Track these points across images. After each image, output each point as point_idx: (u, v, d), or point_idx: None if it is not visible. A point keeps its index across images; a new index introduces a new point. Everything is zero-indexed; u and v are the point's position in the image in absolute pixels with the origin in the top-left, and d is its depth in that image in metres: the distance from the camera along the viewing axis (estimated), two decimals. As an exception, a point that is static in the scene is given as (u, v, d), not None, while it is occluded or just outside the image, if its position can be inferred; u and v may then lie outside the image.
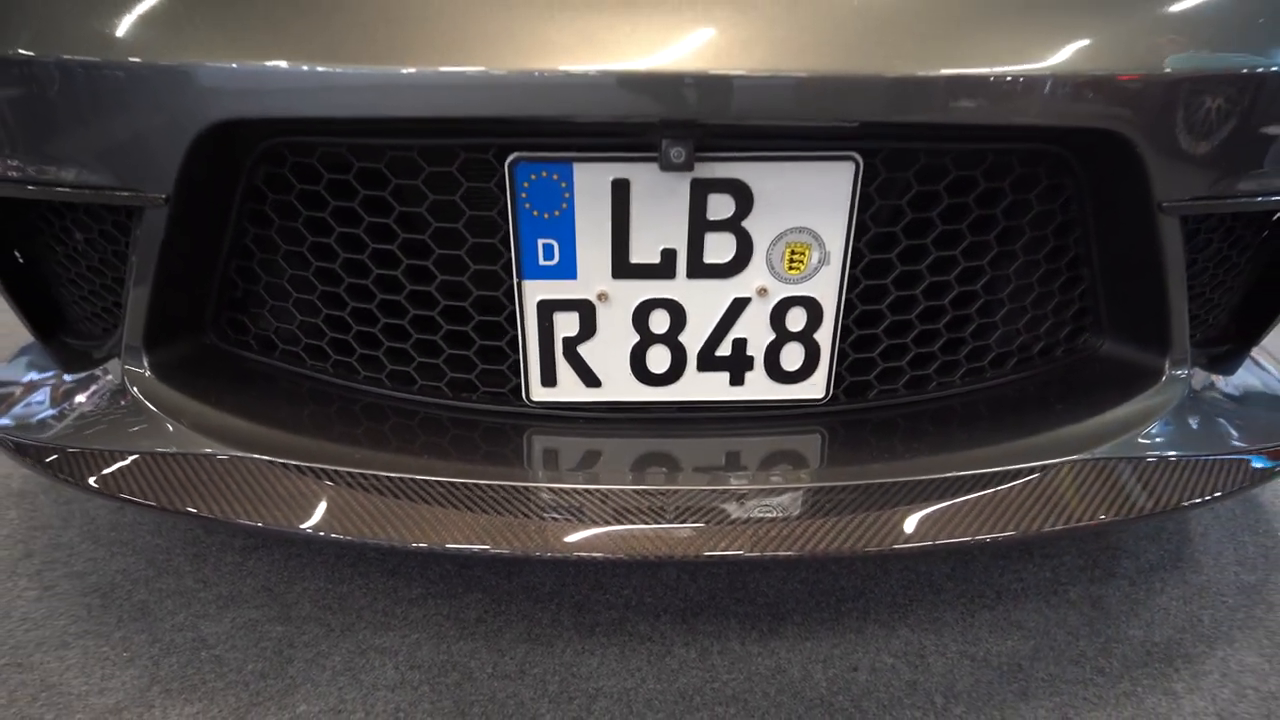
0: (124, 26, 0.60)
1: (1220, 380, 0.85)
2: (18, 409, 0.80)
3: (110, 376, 0.77)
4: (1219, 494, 0.69)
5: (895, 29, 0.57)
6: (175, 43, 0.58)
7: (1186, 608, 0.83)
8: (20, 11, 0.64)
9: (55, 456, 0.72)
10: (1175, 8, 0.62)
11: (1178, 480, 0.68)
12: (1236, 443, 0.74)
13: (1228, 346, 0.92)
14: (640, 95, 0.55)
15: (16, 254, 0.84)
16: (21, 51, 0.60)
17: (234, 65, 0.57)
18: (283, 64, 0.56)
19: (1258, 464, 0.73)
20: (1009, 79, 0.56)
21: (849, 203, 0.63)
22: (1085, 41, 0.58)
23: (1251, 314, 0.91)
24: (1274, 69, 0.62)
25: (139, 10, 0.61)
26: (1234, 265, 0.85)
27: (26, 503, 1.00)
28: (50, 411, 0.78)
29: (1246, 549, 0.94)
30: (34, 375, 0.85)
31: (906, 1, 0.59)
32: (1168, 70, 0.59)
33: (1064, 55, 0.57)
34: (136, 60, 0.58)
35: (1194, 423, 0.75)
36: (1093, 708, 0.70)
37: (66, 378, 0.81)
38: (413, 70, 0.55)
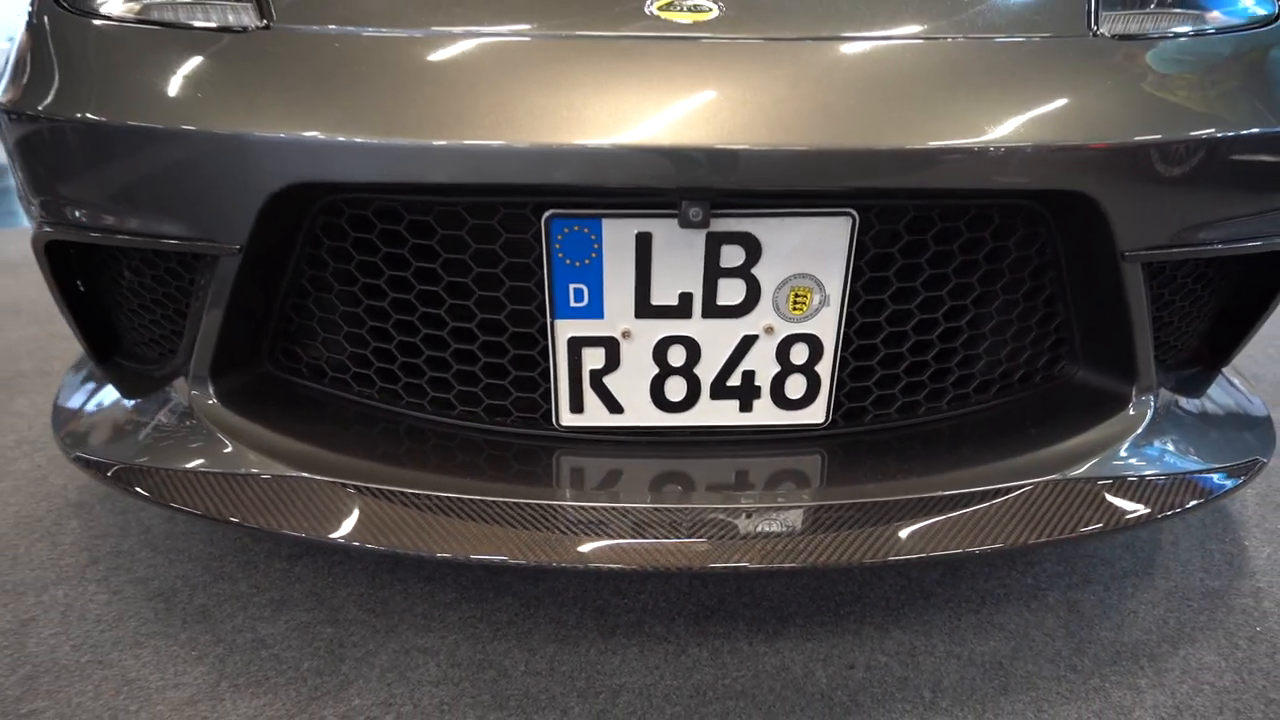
0: (213, 102, 0.68)
1: (1189, 400, 0.93)
2: (90, 429, 0.88)
3: (175, 400, 0.85)
4: (1180, 510, 0.76)
5: (885, 106, 0.65)
6: (255, 117, 0.66)
7: (1154, 611, 0.91)
8: (128, 86, 0.73)
9: (130, 474, 0.80)
10: (1129, 88, 0.70)
11: (1142, 497, 0.76)
12: (1199, 461, 0.82)
13: (1198, 368, 1.00)
14: (662, 166, 0.63)
15: (79, 283, 0.92)
16: (130, 122, 0.68)
17: (306, 137, 0.65)
18: (348, 137, 0.64)
19: (1217, 481, 0.81)
20: (986, 149, 0.64)
21: (846, 252, 0.71)
22: (1051, 116, 0.66)
23: (1219, 339, 0.99)
24: (1216, 137, 0.70)
25: (226, 88, 0.69)
26: (1200, 298, 0.93)
27: (85, 513, 1.08)
28: (122, 432, 0.85)
29: (1213, 556, 1.02)
30: (101, 397, 0.93)
31: (894, 81, 0.67)
32: (1125, 140, 0.67)
33: (1033, 128, 0.65)
34: (223, 131, 0.66)
35: (1160, 443, 0.83)
36: (1064, 701, 0.77)
37: (133, 400, 0.89)
38: (461, 143, 0.63)
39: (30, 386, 1.54)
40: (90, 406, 0.93)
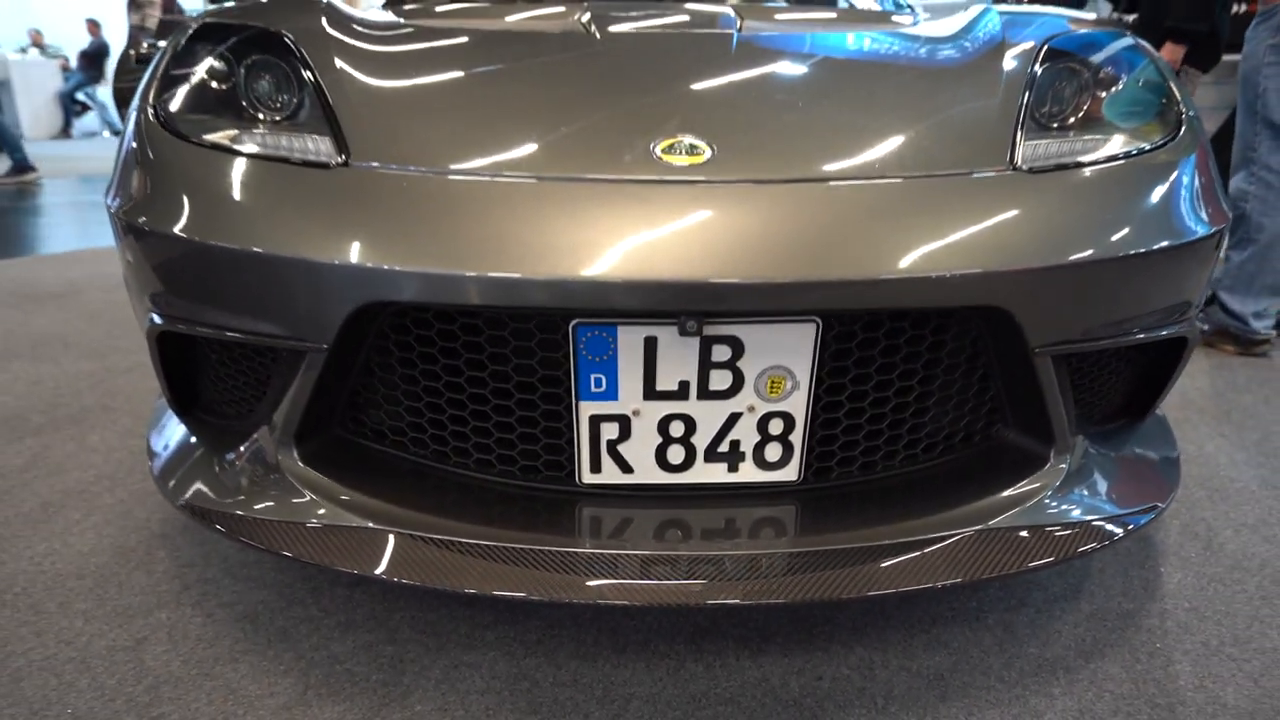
0: (306, 232, 0.86)
1: (1109, 451, 1.11)
2: (191, 480, 1.06)
3: (263, 458, 1.03)
4: (1081, 553, 0.94)
5: (843, 242, 0.83)
6: (342, 248, 0.84)
7: (1075, 630, 1.09)
8: (230, 211, 0.91)
9: (232, 522, 0.97)
10: (1037, 218, 0.88)
11: (1051, 544, 0.93)
12: (1103, 511, 1.00)
13: (1123, 421, 1.18)
14: (664, 294, 0.81)
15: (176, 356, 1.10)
16: (253, 248, 0.86)
17: (385, 269, 0.82)
18: (417, 268, 0.82)
19: (1116, 527, 0.99)
20: (921, 278, 0.82)
21: (812, 349, 0.89)
22: (970, 246, 0.84)
23: (1138, 399, 1.17)
24: (1109, 258, 0.88)
25: (316, 219, 0.87)
26: (1117, 370, 1.11)
27: (170, 543, 1.26)
28: (220, 484, 1.03)
29: (1132, 581, 1.20)
30: (193, 450, 1.11)
31: (850, 218, 0.85)
32: (1030, 265, 0.85)
33: (955, 258, 0.83)
34: (316, 259, 0.84)
35: (1073, 496, 1.01)
36: (991, 707, 0.96)
37: (225, 455, 1.06)
38: (505, 276, 0.81)
39: (99, 422, 1.72)
40: (186, 458, 1.11)
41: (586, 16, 1.44)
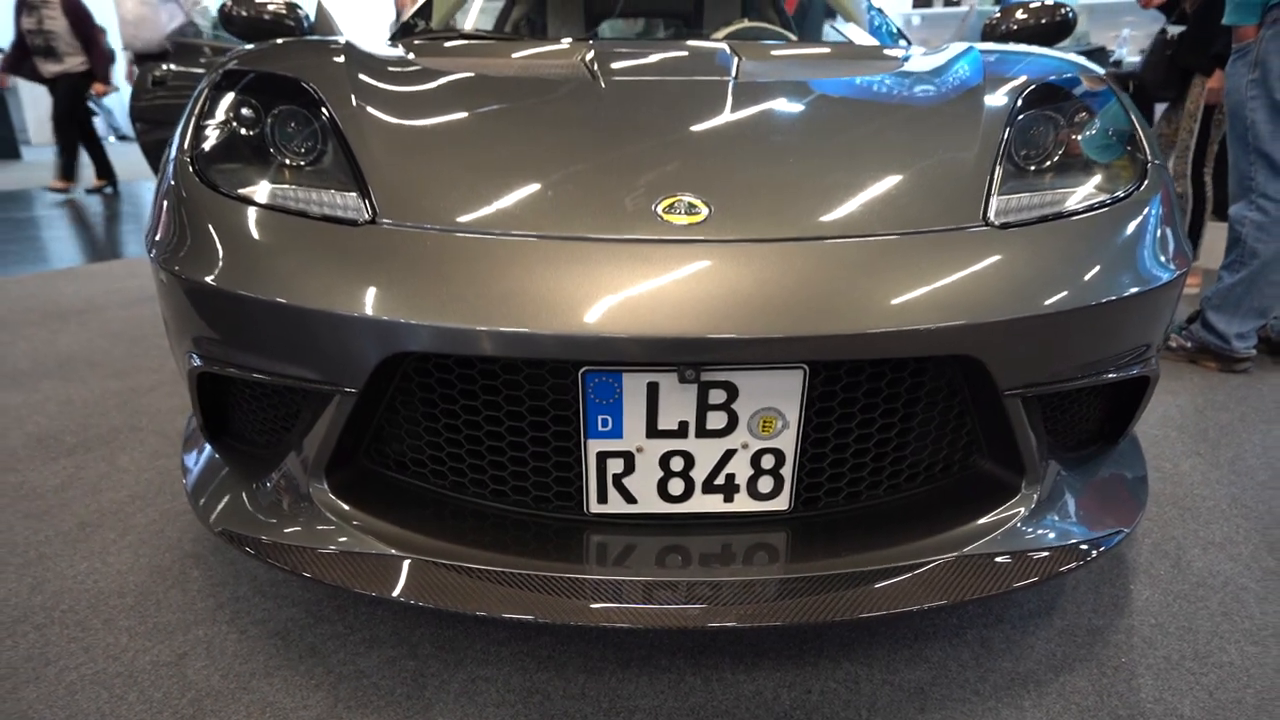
0: (340, 288, 0.94)
1: (1080, 478, 1.19)
2: (226, 507, 1.14)
3: (295, 487, 1.11)
4: (1050, 576, 1.02)
5: (828, 299, 0.91)
6: (374, 303, 0.92)
7: (1047, 645, 1.18)
8: (267, 265, 0.99)
9: (265, 548, 1.06)
10: (1006, 272, 0.97)
11: (1020, 569, 1.02)
12: (1071, 536, 1.08)
13: (1096, 446, 1.26)
14: (664, 348, 0.89)
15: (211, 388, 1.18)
16: (290, 301, 0.95)
17: (411, 323, 0.91)
18: (442, 324, 0.90)
19: (1083, 550, 1.07)
20: (898, 332, 0.90)
21: (801, 392, 0.97)
22: (943, 300, 0.93)
23: (1109, 427, 1.25)
24: (1072, 308, 0.97)
25: (347, 275, 0.95)
26: (1087, 402, 1.19)
27: (202, 563, 1.35)
28: (254, 512, 1.11)
29: (1103, 599, 1.29)
30: (226, 477, 1.19)
31: (835, 275, 0.94)
32: (998, 318, 0.93)
33: (929, 312, 0.92)
34: (348, 314, 0.92)
35: (1042, 522, 1.09)
36: (965, 717, 1.04)
37: (258, 484, 1.15)
38: (520, 331, 0.89)
39: (128, 442, 1.80)
40: (218, 483, 1.19)
41: (590, 55, 1.52)
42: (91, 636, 1.16)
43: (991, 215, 1.05)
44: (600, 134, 1.20)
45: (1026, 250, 1.02)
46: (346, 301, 0.94)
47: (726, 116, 1.25)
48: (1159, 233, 1.13)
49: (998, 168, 1.13)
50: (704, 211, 1.01)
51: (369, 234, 1.01)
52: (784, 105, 1.30)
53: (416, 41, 1.94)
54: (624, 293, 0.91)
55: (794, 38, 2.37)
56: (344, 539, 1.05)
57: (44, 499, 1.55)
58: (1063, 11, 2.11)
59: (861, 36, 2.22)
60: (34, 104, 11.20)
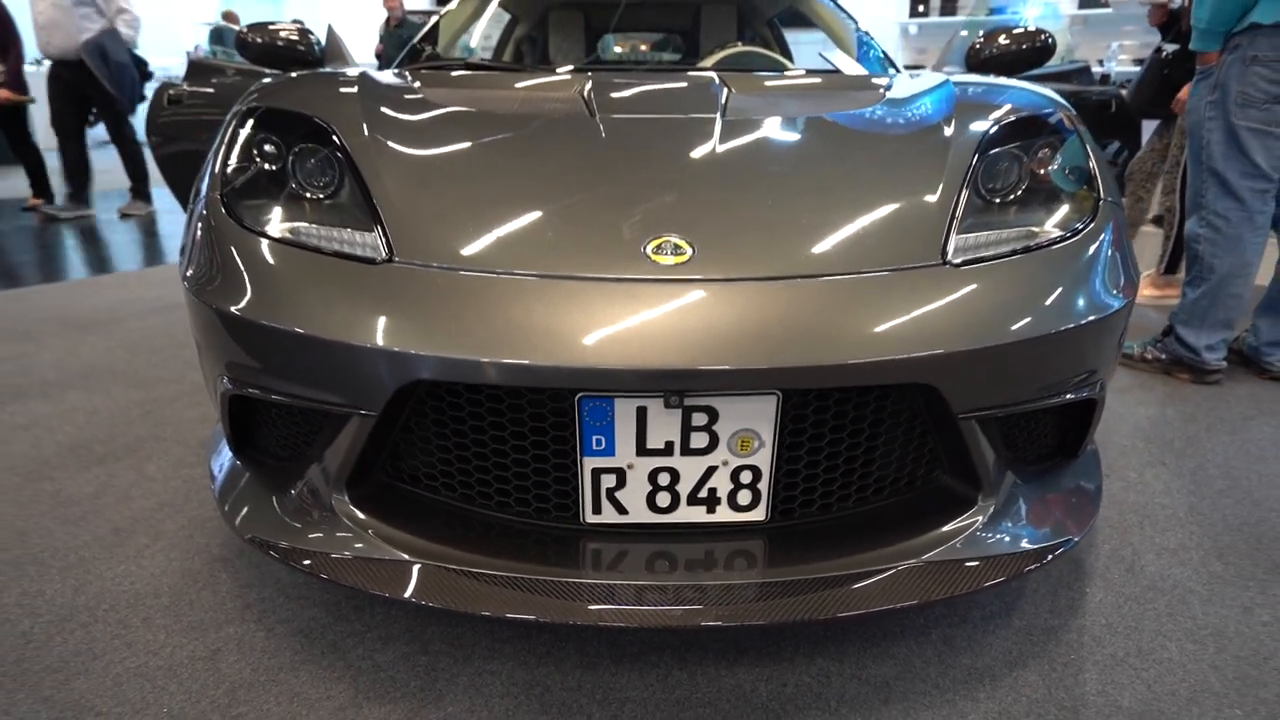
0: (361, 321, 1.05)
1: (1036, 489, 1.30)
2: (254, 516, 1.25)
3: (318, 499, 1.22)
4: (1000, 582, 1.13)
5: (801, 333, 1.02)
6: (393, 336, 1.04)
7: (1005, 644, 1.28)
8: (295, 298, 1.10)
9: (293, 555, 1.17)
10: (961, 308, 1.08)
11: (972, 575, 1.13)
12: (1022, 545, 1.19)
13: (1052, 461, 1.37)
14: (652, 379, 1.00)
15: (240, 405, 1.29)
16: (316, 333, 1.06)
17: (427, 355, 1.02)
18: (455, 356, 1.01)
19: (1033, 558, 1.18)
20: (860, 363, 1.01)
21: (775, 415, 1.08)
22: (902, 335, 1.04)
23: (1066, 442, 1.36)
24: (1021, 340, 1.08)
25: (368, 309, 1.06)
26: (1042, 422, 1.30)
27: (229, 566, 1.46)
28: (281, 520, 1.22)
29: (1060, 600, 1.40)
30: (253, 488, 1.30)
31: (807, 311, 1.05)
32: (953, 350, 1.04)
33: (890, 345, 1.03)
34: (377, 346, 1.03)
35: (997, 531, 1.20)
36: (925, 709, 1.15)
37: (283, 494, 1.26)
38: (522, 363, 1.00)
39: (153, 452, 1.92)
40: (245, 493, 1.30)
41: (588, 88, 1.64)
42: (132, 633, 1.27)
43: (950, 254, 1.16)
44: (597, 177, 1.31)
45: (980, 286, 1.13)
46: (368, 334, 1.05)
47: (712, 158, 1.36)
48: (1106, 266, 1.24)
49: (959, 207, 1.24)
50: (689, 252, 1.12)
51: (386, 272, 1.12)
52: (765, 147, 1.41)
53: (424, 71, 2.05)
54: (616, 327, 1.02)
55: (787, 62, 2.48)
56: (361, 545, 1.16)
57: (79, 505, 1.66)
58: (1043, 37, 2.23)
59: (849, 64, 2.33)
60: (42, 104, 11.31)
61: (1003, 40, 2.25)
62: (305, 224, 1.24)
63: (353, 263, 1.15)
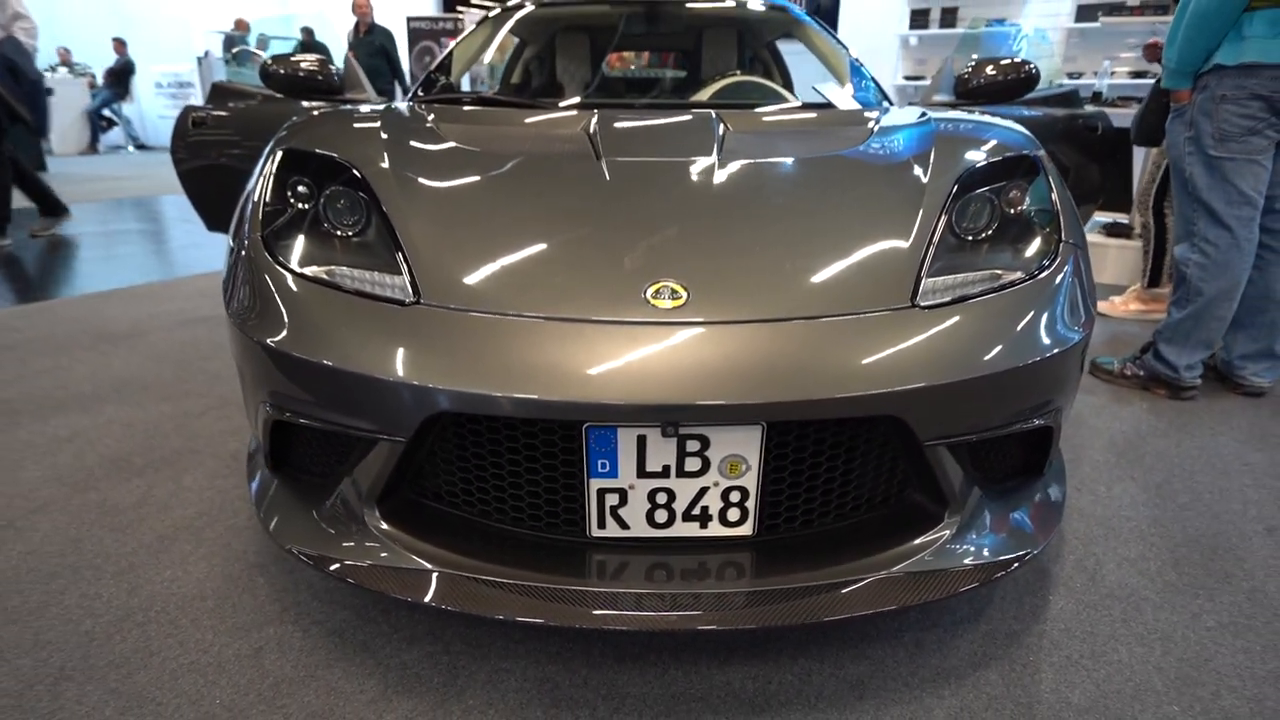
0: (394, 357, 1.19)
1: (1001, 505, 1.43)
2: (292, 528, 1.39)
3: (351, 513, 1.36)
4: (962, 592, 1.26)
5: (782, 372, 1.16)
6: (420, 372, 1.17)
7: (971, 646, 1.42)
8: (331, 334, 1.24)
9: (322, 559, 1.30)
10: (928, 348, 1.21)
11: (937, 585, 1.26)
12: (984, 558, 1.32)
13: (1018, 479, 1.50)
14: (651, 413, 1.13)
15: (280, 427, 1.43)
16: (352, 368, 1.20)
17: (452, 390, 1.16)
18: (478, 391, 1.15)
19: (993, 570, 1.31)
20: (834, 398, 1.15)
21: (760, 442, 1.21)
22: (872, 373, 1.17)
23: (1031, 462, 1.49)
24: (981, 375, 1.21)
25: (398, 346, 1.20)
26: (1006, 445, 1.43)
27: (265, 572, 1.60)
28: (318, 532, 1.36)
29: (1024, 607, 1.53)
30: (290, 503, 1.44)
31: (788, 350, 1.18)
32: (917, 386, 1.17)
33: (860, 382, 1.16)
34: (409, 382, 1.17)
35: (961, 545, 1.33)
36: (895, 705, 1.28)
37: (318, 509, 1.40)
38: (536, 398, 1.14)
39: (188, 464, 2.06)
40: (285, 508, 1.44)
41: (594, 124, 1.78)
42: (183, 633, 1.41)
43: (919, 298, 1.29)
44: (602, 222, 1.45)
45: (944, 327, 1.26)
46: (399, 370, 1.19)
47: (706, 203, 1.49)
48: (1064, 306, 1.37)
49: (930, 251, 1.37)
50: (684, 296, 1.25)
51: (413, 313, 1.26)
52: (755, 193, 1.55)
53: (439, 107, 2.19)
54: (619, 365, 1.16)
55: (783, 91, 2.61)
56: (386, 555, 1.30)
57: (125, 514, 1.81)
58: (1026, 68, 2.36)
59: (841, 96, 2.46)
60: (55, 112, 11.51)
61: (990, 71, 2.38)
62: (340, 266, 1.38)
63: (384, 304, 1.29)
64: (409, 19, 11.25)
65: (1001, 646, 1.42)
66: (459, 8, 12.52)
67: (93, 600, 1.50)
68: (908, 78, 7.57)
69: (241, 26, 11.17)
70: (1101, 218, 4.63)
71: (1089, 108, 4.64)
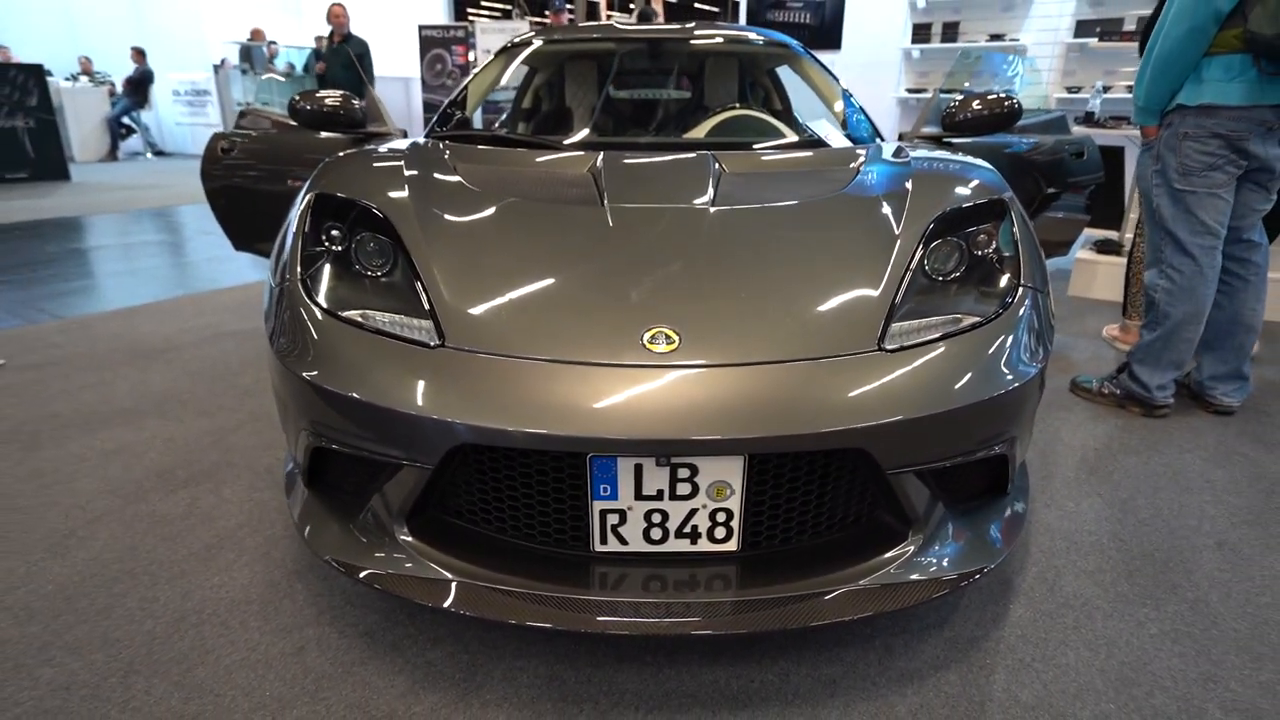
0: (419, 393, 1.37)
1: (964, 522, 1.59)
2: (330, 540, 1.57)
3: (382, 528, 1.53)
4: (924, 602, 1.43)
5: (761, 411, 1.32)
6: (444, 408, 1.35)
7: (934, 650, 1.58)
8: (367, 373, 1.42)
9: (355, 569, 1.48)
10: (891, 387, 1.37)
11: (910, 590, 1.42)
12: (943, 571, 1.48)
13: (982, 499, 1.66)
14: (647, 447, 1.31)
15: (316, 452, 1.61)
16: (385, 404, 1.37)
17: (475, 425, 1.33)
18: (496, 426, 1.32)
19: (950, 583, 1.47)
20: (806, 434, 1.31)
21: (743, 470, 1.38)
22: (839, 410, 1.34)
23: (992, 484, 1.65)
24: (923, 416, 1.37)
25: (423, 385, 1.38)
26: (968, 469, 1.59)
27: (303, 579, 1.78)
28: (354, 545, 1.54)
29: (986, 614, 1.69)
30: (327, 517, 1.62)
31: (767, 392, 1.35)
32: (879, 422, 1.34)
33: (829, 418, 1.33)
34: (437, 418, 1.35)
35: (924, 560, 1.49)
36: (863, 702, 1.45)
37: (352, 524, 1.57)
38: (545, 432, 1.31)
39: (227, 477, 2.25)
40: (322, 522, 1.62)
41: (599, 165, 1.96)
42: (233, 633, 1.60)
43: (885, 341, 1.46)
44: (605, 270, 1.62)
45: (908, 368, 1.42)
46: (426, 406, 1.37)
47: (700, 249, 1.66)
48: (1019, 346, 1.54)
49: (899, 296, 1.54)
50: (677, 340, 1.42)
51: (438, 355, 1.44)
52: (744, 241, 1.71)
53: (454, 145, 2.38)
54: (618, 404, 1.33)
55: (780, 125, 2.78)
56: (411, 565, 1.47)
57: (174, 525, 1.99)
58: (1008, 104, 2.53)
59: (833, 133, 2.63)
60: (77, 120, 11.80)
61: (975, 106, 2.55)
62: (372, 310, 1.56)
63: (412, 345, 1.46)
64: (420, 27, 11.47)
65: (962, 651, 1.58)
66: (468, 11, 12.71)
67: (151, 603, 1.69)
68: (910, 90, 7.71)
69: (258, 36, 11.40)
70: (1092, 233, 4.78)
71: (1077, 129, 4.77)
